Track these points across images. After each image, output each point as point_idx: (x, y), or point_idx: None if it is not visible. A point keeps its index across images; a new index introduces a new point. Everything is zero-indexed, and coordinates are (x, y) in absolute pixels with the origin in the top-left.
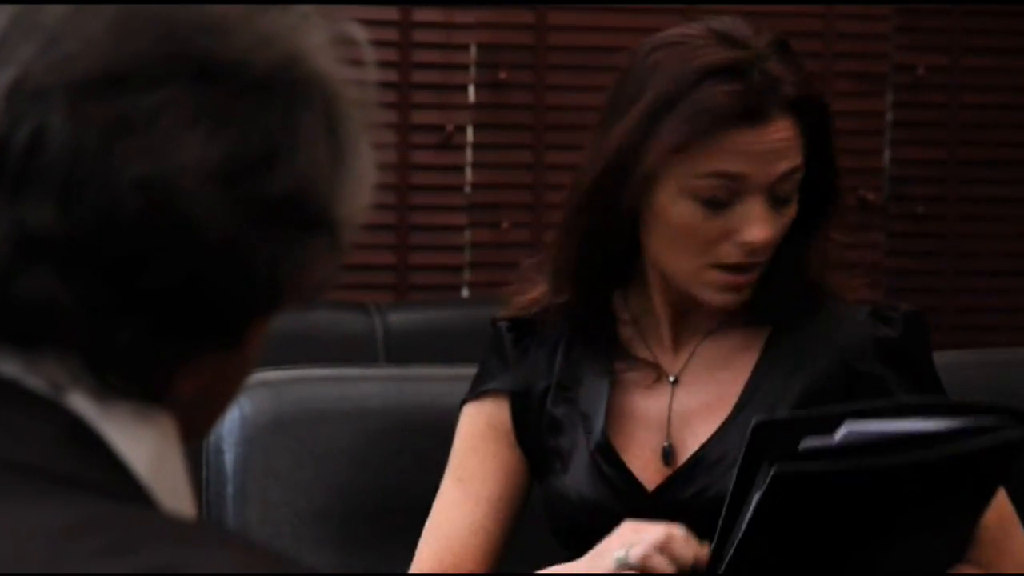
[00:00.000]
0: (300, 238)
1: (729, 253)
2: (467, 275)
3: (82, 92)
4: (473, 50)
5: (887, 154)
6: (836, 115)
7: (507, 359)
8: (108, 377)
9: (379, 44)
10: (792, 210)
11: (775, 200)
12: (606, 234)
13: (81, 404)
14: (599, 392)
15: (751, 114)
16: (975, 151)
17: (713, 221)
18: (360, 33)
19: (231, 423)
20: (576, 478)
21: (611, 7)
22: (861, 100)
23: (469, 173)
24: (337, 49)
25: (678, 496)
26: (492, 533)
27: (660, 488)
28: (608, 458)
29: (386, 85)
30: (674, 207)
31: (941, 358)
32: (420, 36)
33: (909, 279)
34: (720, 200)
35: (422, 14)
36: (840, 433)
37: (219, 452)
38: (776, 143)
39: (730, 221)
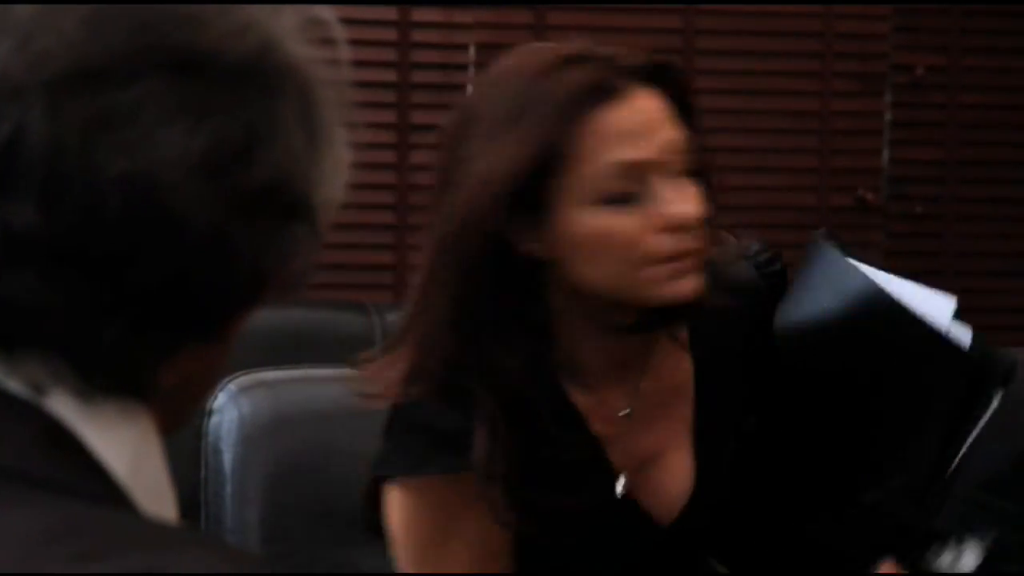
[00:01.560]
0: (282, 227)
1: (660, 244)
2: None
3: (60, 89)
4: (472, 50)
5: (886, 154)
6: (835, 115)
7: (449, 432)
8: (91, 376)
9: (378, 44)
10: (695, 187)
11: (682, 175)
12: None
13: (60, 405)
14: (583, 439)
15: (607, 91)
16: (974, 151)
17: (627, 218)
18: (330, 16)
19: (230, 423)
20: (585, 528)
21: (611, 7)
22: (860, 100)
23: None
24: (309, 35)
25: (689, 528)
26: None
27: (673, 525)
28: (628, 508)
29: (385, 85)
30: (581, 221)
31: None
32: (419, 36)
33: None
34: (627, 194)
35: (421, 14)
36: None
37: (218, 452)
38: (648, 114)
39: (645, 211)
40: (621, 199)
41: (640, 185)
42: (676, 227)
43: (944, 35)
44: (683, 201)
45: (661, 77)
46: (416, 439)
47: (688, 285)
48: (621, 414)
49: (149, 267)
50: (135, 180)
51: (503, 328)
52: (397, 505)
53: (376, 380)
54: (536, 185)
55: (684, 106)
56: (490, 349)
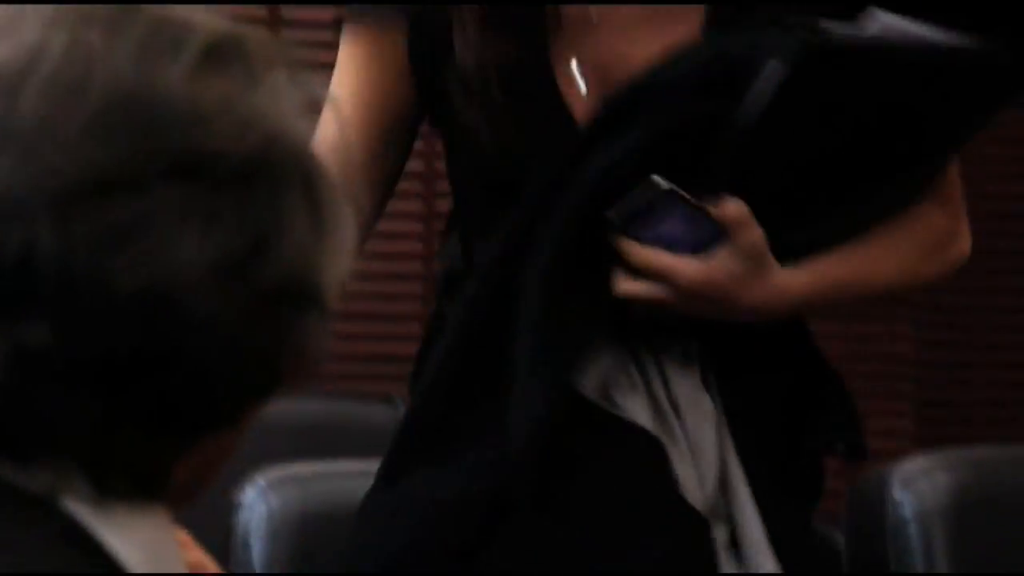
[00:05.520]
0: (295, 319)
1: None
2: None
3: (67, 204)
4: None
5: None
6: None
7: None
8: (105, 481)
9: None
10: None
11: None
12: None
13: (76, 504)
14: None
15: None
16: (998, 242)
17: None
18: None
19: (259, 519)
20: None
21: None
22: None
23: None
24: (309, 114)
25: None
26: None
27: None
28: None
29: (410, 176)
30: None
31: (973, 454)
32: None
33: (937, 371)
34: None
35: None
36: (874, 26)
37: (247, 547)
38: None
39: None
40: None
41: None
42: None
43: None
44: None
45: None
46: None
47: None
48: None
49: (164, 375)
50: (148, 293)
51: None
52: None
53: None
54: None
55: None
56: None
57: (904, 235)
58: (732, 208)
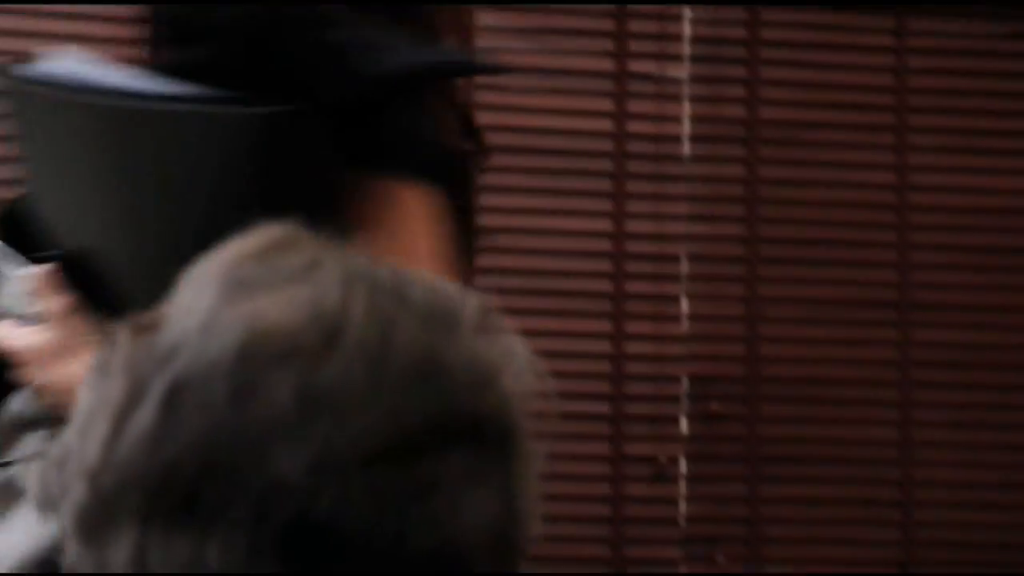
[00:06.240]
0: (519, 559)
1: None
2: None
3: (376, 465)
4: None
5: None
6: None
7: None
8: None
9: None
10: None
11: None
12: None
13: None
14: None
15: None
16: None
17: None
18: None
19: None
20: None
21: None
22: None
23: (683, 506)
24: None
25: None
26: None
27: None
28: None
29: (598, 418)
30: None
31: None
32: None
33: None
34: None
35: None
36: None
37: None
38: None
39: None
40: None
41: None
42: None
43: None
44: None
45: None
46: None
47: None
48: None
49: None
50: (439, 552)
51: None
52: None
53: None
54: None
55: None
56: None
57: None
58: (28, 274)
